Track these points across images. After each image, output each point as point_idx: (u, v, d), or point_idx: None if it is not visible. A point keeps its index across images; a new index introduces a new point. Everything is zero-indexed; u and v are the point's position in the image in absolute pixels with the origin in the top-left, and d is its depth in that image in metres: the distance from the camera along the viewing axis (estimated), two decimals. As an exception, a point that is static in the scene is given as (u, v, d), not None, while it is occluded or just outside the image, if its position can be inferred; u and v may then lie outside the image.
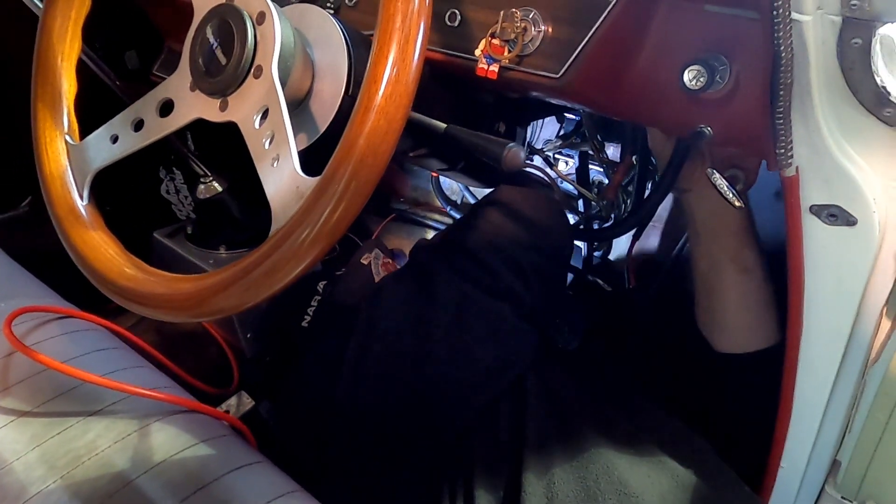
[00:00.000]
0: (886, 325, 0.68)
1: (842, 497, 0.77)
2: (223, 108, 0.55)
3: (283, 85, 0.54)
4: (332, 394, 0.76)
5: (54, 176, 0.59)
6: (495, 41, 0.61)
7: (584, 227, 0.94)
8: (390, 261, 1.05)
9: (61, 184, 0.59)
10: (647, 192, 0.85)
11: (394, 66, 0.44)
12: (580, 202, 1.02)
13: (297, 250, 0.45)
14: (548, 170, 0.95)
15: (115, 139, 0.59)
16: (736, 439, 0.83)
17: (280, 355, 1.01)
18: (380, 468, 0.71)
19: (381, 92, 0.44)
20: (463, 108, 0.77)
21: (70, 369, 0.62)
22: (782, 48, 0.50)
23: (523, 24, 0.61)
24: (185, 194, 1.34)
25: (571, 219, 1.00)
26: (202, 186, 1.04)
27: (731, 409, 0.84)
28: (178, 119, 0.57)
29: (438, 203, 1.34)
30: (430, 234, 1.36)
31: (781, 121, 0.56)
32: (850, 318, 0.65)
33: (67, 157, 0.60)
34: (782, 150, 0.58)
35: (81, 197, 0.59)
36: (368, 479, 0.72)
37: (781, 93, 0.54)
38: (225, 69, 0.53)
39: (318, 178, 0.46)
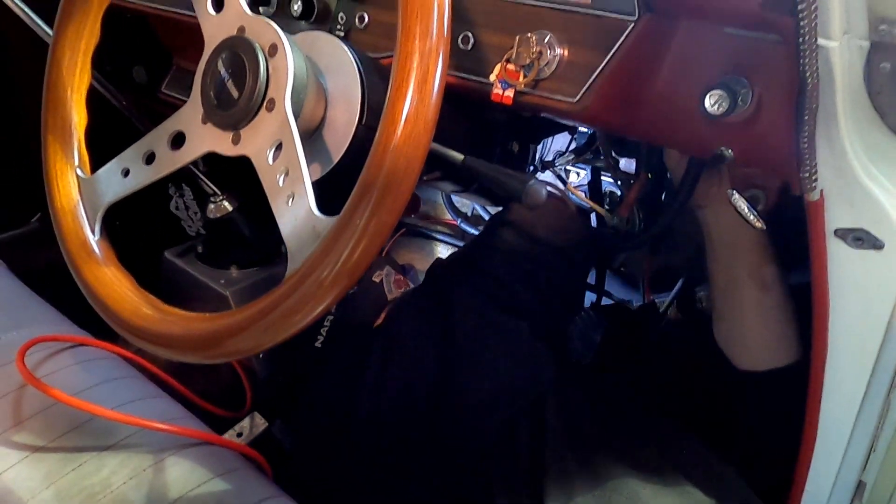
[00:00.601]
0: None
1: (868, 520, 0.76)
2: (236, 141, 0.54)
3: (297, 117, 0.53)
4: (350, 412, 0.75)
5: (66, 210, 0.58)
6: (510, 66, 0.60)
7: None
8: (402, 277, 1.04)
9: (73, 218, 0.58)
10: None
11: (412, 106, 0.43)
12: (593, 215, 1.00)
13: (315, 292, 0.44)
14: (560, 185, 0.94)
15: (126, 172, 0.58)
16: (759, 459, 0.82)
17: (293, 375, 1.00)
18: (401, 486, 0.70)
19: (398, 131, 0.43)
20: (476, 128, 0.76)
21: (82, 403, 0.61)
22: (808, 74, 0.49)
23: (539, 49, 0.60)
24: (195, 210, 1.33)
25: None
26: (212, 205, 1.03)
27: (754, 427, 0.83)
28: (191, 152, 0.56)
29: (449, 216, 1.33)
30: (441, 248, 1.35)
31: (807, 145, 0.55)
32: (878, 340, 0.63)
33: (79, 190, 0.59)
34: (807, 174, 0.57)
35: (93, 231, 0.58)
36: (389, 497, 0.71)
37: (807, 117, 0.53)
38: (237, 102, 0.53)
39: (335, 217, 0.45)
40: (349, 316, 0.97)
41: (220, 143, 0.54)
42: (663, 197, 0.89)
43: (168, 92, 1.16)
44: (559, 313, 0.77)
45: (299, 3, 0.74)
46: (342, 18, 0.73)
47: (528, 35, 0.60)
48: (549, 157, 1.03)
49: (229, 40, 0.54)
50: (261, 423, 1.03)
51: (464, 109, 0.72)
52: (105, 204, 0.59)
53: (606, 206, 1.00)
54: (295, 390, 1.01)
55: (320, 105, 0.58)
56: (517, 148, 0.82)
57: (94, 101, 0.67)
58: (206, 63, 0.55)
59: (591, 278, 1.11)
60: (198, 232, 1.33)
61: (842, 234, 0.60)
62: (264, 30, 0.53)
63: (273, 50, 0.52)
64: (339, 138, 0.58)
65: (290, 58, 0.52)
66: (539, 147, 0.94)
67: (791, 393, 0.79)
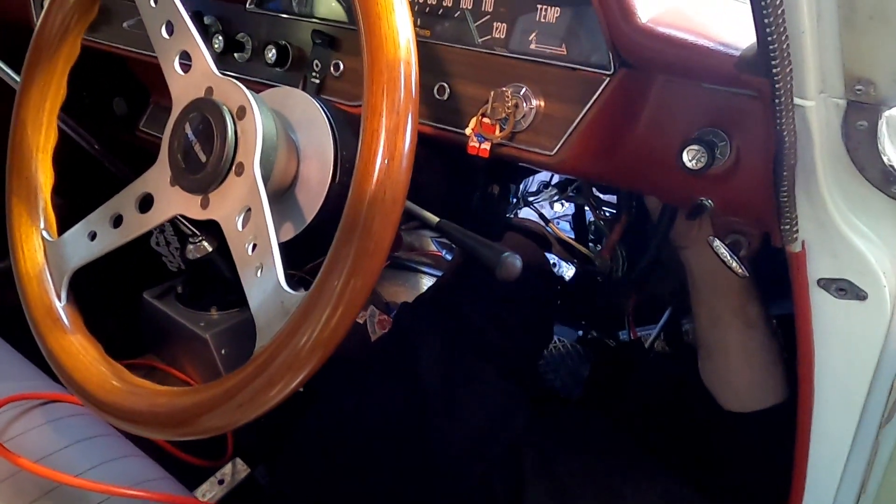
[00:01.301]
0: (900, 388, 0.66)
1: (860, 565, 0.75)
2: (204, 205, 0.52)
3: (267, 179, 0.52)
4: (332, 457, 0.73)
5: (30, 276, 0.57)
6: (486, 120, 0.59)
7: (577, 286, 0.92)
8: (386, 317, 1.02)
9: (38, 283, 0.56)
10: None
11: (382, 167, 0.41)
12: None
13: (290, 364, 0.43)
14: (542, 222, 0.93)
15: (93, 236, 0.57)
16: (747, 500, 0.81)
17: (275, 419, 0.98)
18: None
19: (370, 192, 0.41)
20: (455, 173, 0.75)
21: (48, 472, 0.59)
22: (785, 133, 0.48)
23: (514, 101, 0.59)
24: (176, 246, 1.31)
25: (570, 270, 0.98)
26: (191, 246, 1.01)
27: (741, 468, 0.82)
28: (158, 215, 0.54)
29: (434, 247, 1.31)
30: (427, 280, 1.34)
31: (786, 198, 0.54)
32: (864, 388, 0.63)
33: (44, 254, 0.58)
34: (787, 227, 0.56)
35: (59, 297, 0.57)
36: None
37: (785, 173, 0.52)
38: (205, 167, 0.51)
39: (304, 294, 0.44)
40: (330, 359, 0.96)
41: (188, 206, 0.53)
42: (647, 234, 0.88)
43: (146, 129, 1.15)
44: (528, 350, 0.75)
45: (274, 50, 0.73)
46: (317, 66, 0.72)
47: (504, 89, 0.59)
48: (532, 188, 1.02)
49: (197, 102, 0.53)
50: (243, 468, 1.01)
51: (441, 155, 0.71)
52: (71, 269, 0.57)
53: (592, 237, 0.99)
54: (277, 434, 0.99)
55: (292, 162, 0.57)
56: (497, 190, 0.81)
57: (66, 145, 0.65)
58: (173, 125, 0.54)
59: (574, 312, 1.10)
60: (179, 268, 1.31)
61: (825, 284, 0.59)
62: (232, 91, 0.52)
63: (241, 112, 0.51)
64: (312, 196, 0.57)
65: (258, 121, 0.50)
66: (521, 185, 0.94)
67: (778, 433, 0.78)
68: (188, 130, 0.52)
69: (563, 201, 1.11)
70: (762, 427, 0.80)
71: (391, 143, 0.41)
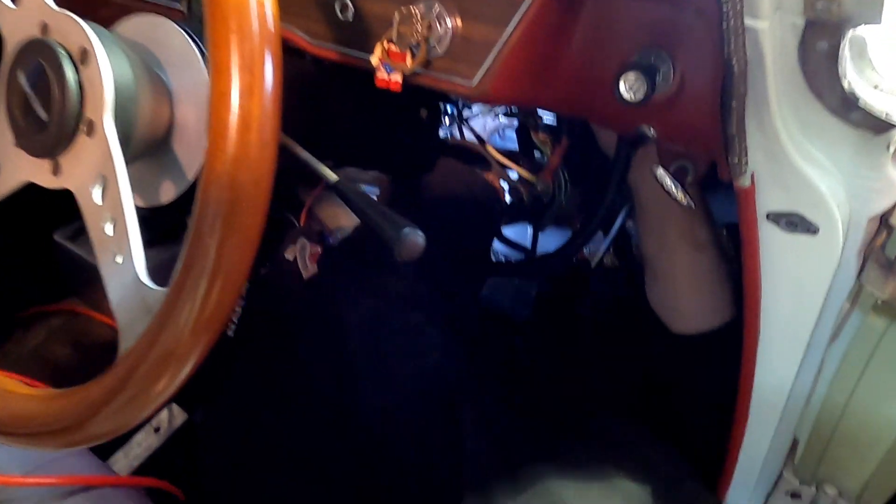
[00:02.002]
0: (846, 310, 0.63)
1: (800, 482, 0.75)
2: (55, 171, 0.44)
3: (128, 137, 0.43)
4: (257, 414, 0.69)
5: None
6: (393, 47, 0.50)
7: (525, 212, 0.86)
8: (319, 249, 0.95)
9: None
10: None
11: (241, 114, 0.33)
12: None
13: (148, 382, 0.36)
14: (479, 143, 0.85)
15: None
16: (692, 423, 0.80)
17: (208, 365, 0.93)
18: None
19: (229, 147, 0.33)
20: (373, 102, 0.66)
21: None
22: (734, 59, 0.41)
23: (427, 22, 0.50)
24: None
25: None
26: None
27: (688, 390, 0.81)
28: (6, 183, 0.46)
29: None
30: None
31: (735, 130, 0.48)
32: (811, 321, 0.60)
33: None
34: (736, 160, 0.50)
35: None
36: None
37: (734, 103, 0.45)
38: (47, 126, 0.42)
39: (167, 289, 0.37)
40: (262, 301, 0.90)
41: (37, 172, 0.44)
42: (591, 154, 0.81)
43: None
44: (464, 296, 0.70)
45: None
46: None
47: (410, 7, 0.50)
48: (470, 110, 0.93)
49: (30, 45, 0.43)
50: (179, 414, 0.97)
51: (353, 83, 0.62)
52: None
53: (538, 152, 0.92)
54: (214, 377, 0.94)
55: (163, 109, 0.47)
56: (426, 114, 0.72)
57: None
58: (7, 74, 0.44)
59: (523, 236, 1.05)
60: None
61: (774, 217, 0.54)
62: (71, 29, 0.42)
63: (84, 56, 0.42)
64: (193, 147, 0.49)
65: (104, 67, 0.41)
66: (457, 102, 0.85)
67: (725, 353, 0.77)
68: (22, 80, 0.42)
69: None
70: (708, 348, 0.78)
71: (246, 110, 0.33)
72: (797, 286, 0.57)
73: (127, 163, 0.43)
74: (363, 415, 0.62)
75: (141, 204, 0.51)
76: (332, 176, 0.45)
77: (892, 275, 0.55)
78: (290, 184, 1.23)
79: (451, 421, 0.63)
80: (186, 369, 0.40)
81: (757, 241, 0.55)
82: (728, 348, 0.76)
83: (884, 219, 0.53)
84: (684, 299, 0.77)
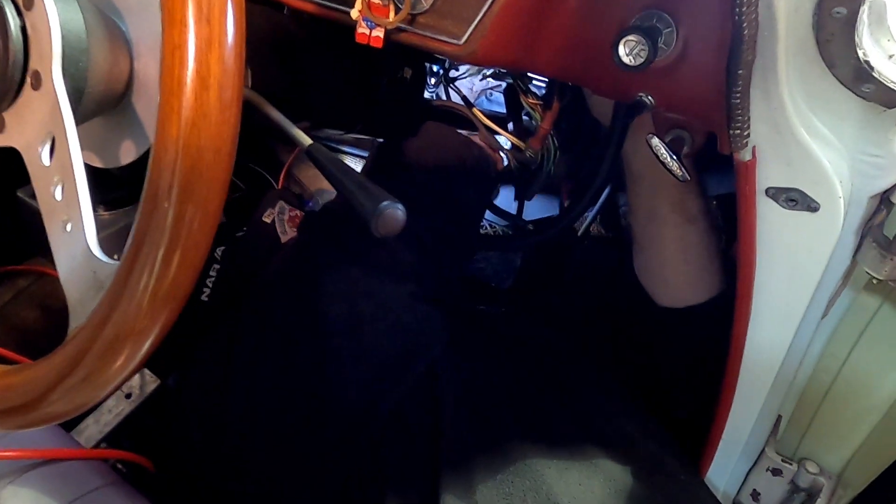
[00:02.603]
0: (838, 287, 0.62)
1: (782, 459, 0.75)
2: (0, 127, 0.40)
3: (80, 92, 0.39)
4: (235, 388, 0.67)
5: None
6: (375, 0, 0.46)
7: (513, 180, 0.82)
8: (298, 212, 0.92)
9: None
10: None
11: (195, 129, 0.29)
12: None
13: (101, 365, 0.33)
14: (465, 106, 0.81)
15: None
16: (678, 396, 0.79)
17: (181, 330, 0.90)
18: (280, 486, 0.63)
19: (176, 164, 0.30)
20: (354, 59, 0.62)
21: None
22: (745, 23, 0.38)
23: (411, -27, 0.46)
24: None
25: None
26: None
27: (673, 363, 0.79)
28: (-52, 139, 0.41)
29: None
30: (352, 162, 1.21)
31: (739, 100, 0.45)
32: (805, 301, 0.58)
33: None
34: (738, 131, 0.47)
35: None
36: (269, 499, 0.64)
37: (741, 71, 0.42)
38: (-10, 77, 0.38)
39: (119, 262, 0.34)
40: (238, 265, 0.86)
41: (-19, 129, 0.40)
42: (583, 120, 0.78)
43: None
44: (448, 270, 0.67)
45: None
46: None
47: (395, -44, 0.46)
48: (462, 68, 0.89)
49: (-33, -16, 0.38)
50: (152, 380, 0.94)
51: (334, 39, 0.58)
52: None
53: (526, 115, 0.88)
54: (188, 342, 0.91)
55: (121, 61, 0.43)
56: (409, 73, 0.68)
57: None
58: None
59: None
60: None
61: (774, 193, 0.52)
62: (14, -31, 0.37)
63: (28, 1, 0.37)
64: (155, 102, 0.44)
65: (51, 12, 0.37)
66: (441, 62, 0.81)
67: (711, 328, 0.75)
68: (-40, 25, 0.38)
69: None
70: (694, 322, 0.76)
71: (204, 66, 0.29)
72: (793, 264, 0.55)
73: (80, 120, 0.39)
74: (340, 384, 0.60)
75: (99, 164, 0.47)
76: (305, 139, 0.42)
77: (891, 253, 0.52)
78: (268, 143, 1.18)
79: (430, 395, 0.61)
80: (145, 347, 0.37)
81: (754, 217, 0.53)
82: (714, 323, 0.74)
83: (885, 196, 0.51)
84: (672, 272, 0.75)
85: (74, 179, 0.35)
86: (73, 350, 0.34)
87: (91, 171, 0.89)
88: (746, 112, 0.46)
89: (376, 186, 0.37)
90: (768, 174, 0.51)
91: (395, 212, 0.36)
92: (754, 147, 0.49)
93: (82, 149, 0.48)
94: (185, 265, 0.34)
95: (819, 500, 0.72)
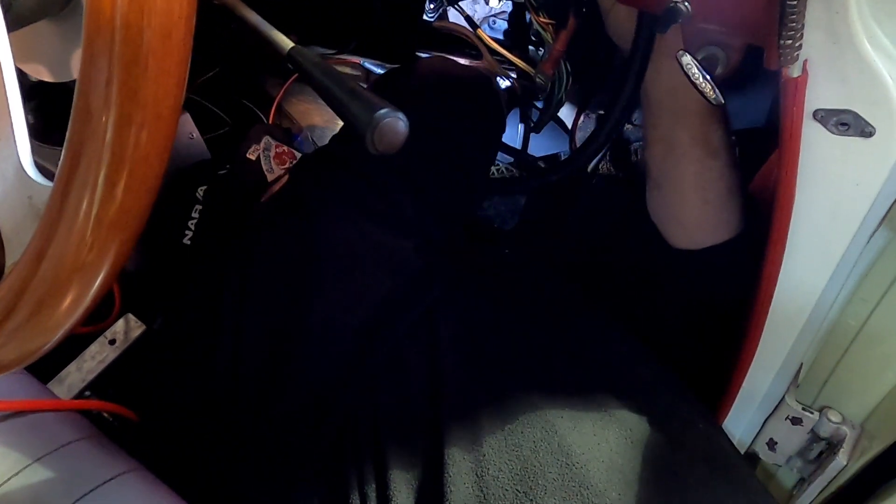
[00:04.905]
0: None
1: (802, 407, 0.71)
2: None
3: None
4: (220, 333, 0.62)
5: None
6: None
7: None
8: (286, 148, 0.85)
9: None
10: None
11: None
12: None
13: (53, 294, 0.28)
14: (469, 28, 0.74)
15: None
16: (694, 344, 0.75)
17: (166, 274, 0.85)
18: (270, 435, 0.58)
19: (112, 54, 0.23)
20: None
21: None
22: None
23: None
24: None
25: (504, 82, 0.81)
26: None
27: (689, 310, 0.74)
28: None
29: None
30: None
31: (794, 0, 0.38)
32: (847, 239, 0.53)
33: None
34: (790, 41, 0.41)
35: None
36: (258, 450, 0.59)
37: (803, -38, 0.36)
38: None
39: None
40: (222, 204, 0.80)
41: None
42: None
43: None
44: (453, 221, 0.61)
45: None
46: None
47: None
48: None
49: None
50: (137, 325, 0.89)
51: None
52: None
53: (533, 38, 0.81)
54: (171, 289, 0.86)
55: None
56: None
57: None
58: None
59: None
60: (28, 91, 1.08)
61: (823, 116, 0.46)
62: None
63: None
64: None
65: None
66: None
67: (730, 270, 0.70)
68: None
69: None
70: (713, 265, 0.71)
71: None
72: (837, 198, 0.49)
73: (17, 23, 0.33)
74: (334, 326, 0.55)
75: (47, 78, 0.41)
76: (286, 42, 0.35)
77: (947, 190, 0.47)
78: (257, 78, 1.10)
79: (428, 338, 0.56)
80: (96, 284, 0.31)
81: (798, 143, 0.47)
82: (733, 265, 0.69)
83: (946, 123, 0.45)
84: (690, 210, 0.69)
85: (4, 88, 0.28)
86: (8, 290, 0.28)
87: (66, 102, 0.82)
88: (802, 16, 0.39)
89: (372, 94, 0.31)
90: (819, 93, 0.44)
91: (396, 122, 0.30)
92: (805, 61, 0.43)
93: (26, 61, 0.42)
94: (135, 185, 0.28)
95: (841, 450, 0.68)
